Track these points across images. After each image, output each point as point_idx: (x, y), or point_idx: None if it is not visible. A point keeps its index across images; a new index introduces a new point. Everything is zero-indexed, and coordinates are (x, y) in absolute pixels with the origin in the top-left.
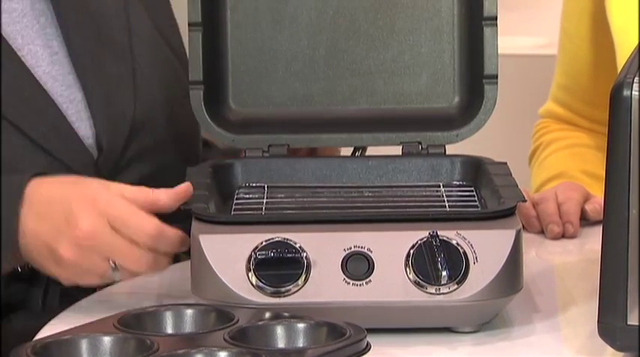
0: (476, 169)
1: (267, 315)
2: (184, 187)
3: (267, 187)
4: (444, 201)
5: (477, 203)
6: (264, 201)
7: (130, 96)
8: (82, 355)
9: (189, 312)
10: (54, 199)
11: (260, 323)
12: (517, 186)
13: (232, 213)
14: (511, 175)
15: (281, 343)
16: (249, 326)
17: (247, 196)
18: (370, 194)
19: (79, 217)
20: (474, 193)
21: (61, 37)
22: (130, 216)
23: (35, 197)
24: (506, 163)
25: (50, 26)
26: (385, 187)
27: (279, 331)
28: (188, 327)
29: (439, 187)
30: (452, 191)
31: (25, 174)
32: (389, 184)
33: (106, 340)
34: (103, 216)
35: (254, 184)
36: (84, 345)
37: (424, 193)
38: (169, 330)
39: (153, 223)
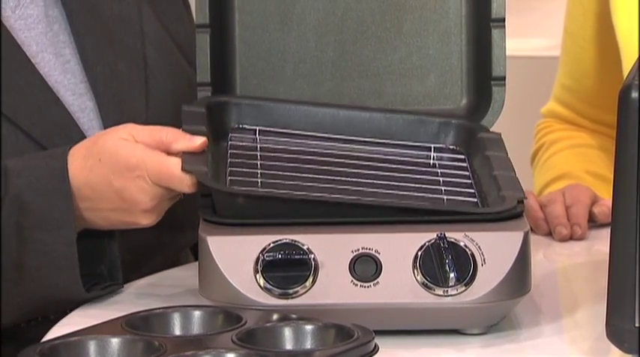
0: (469, 136)
1: (275, 317)
2: (201, 142)
3: (259, 130)
4: (437, 174)
5: (469, 173)
6: (258, 146)
7: (142, 103)
8: None
9: (196, 314)
10: (97, 186)
11: (268, 325)
12: (512, 165)
13: (228, 162)
14: (504, 146)
15: (289, 345)
16: (257, 328)
17: (241, 143)
18: (361, 155)
19: (133, 195)
20: (466, 161)
21: (73, 44)
22: (161, 167)
23: (80, 191)
24: (499, 134)
25: (63, 33)
26: (375, 143)
27: (287, 332)
28: (196, 329)
29: (430, 150)
30: (443, 160)
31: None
32: (379, 141)
33: (114, 341)
34: (146, 180)
35: (247, 127)
36: (92, 347)
37: (415, 161)
38: (177, 332)
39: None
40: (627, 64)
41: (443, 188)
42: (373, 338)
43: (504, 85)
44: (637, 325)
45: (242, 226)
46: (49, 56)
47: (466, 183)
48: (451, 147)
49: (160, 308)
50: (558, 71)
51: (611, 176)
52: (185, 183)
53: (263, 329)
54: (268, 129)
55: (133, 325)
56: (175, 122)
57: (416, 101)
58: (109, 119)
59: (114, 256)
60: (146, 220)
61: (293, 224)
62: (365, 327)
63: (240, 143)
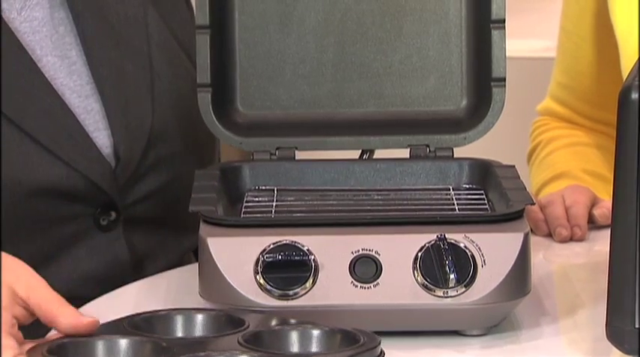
0: (484, 172)
1: (275, 321)
2: (91, 323)
3: (277, 190)
4: (453, 204)
5: (487, 206)
6: (274, 204)
7: (148, 105)
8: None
9: (199, 316)
10: None
11: (275, 328)
12: (525, 189)
13: (242, 216)
14: (519, 178)
15: (294, 349)
16: (263, 330)
17: (256, 199)
18: (379, 198)
19: None
20: (484, 196)
21: (79, 46)
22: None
23: None
24: (514, 166)
25: (69, 35)
26: (394, 190)
27: (294, 336)
28: (198, 331)
29: (449, 190)
30: (461, 194)
31: None
32: (397, 188)
33: (123, 342)
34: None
35: (263, 187)
36: (100, 347)
37: (434, 197)
38: (179, 334)
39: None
40: (626, 63)
41: (457, 207)
42: (379, 343)
43: (504, 86)
44: (637, 326)
45: (242, 227)
46: (54, 59)
47: (479, 199)
48: (468, 186)
49: (163, 310)
50: (554, 69)
51: (609, 175)
52: None
53: (269, 332)
54: (285, 188)
55: (136, 325)
56: (180, 123)
57: (416, 102)
58: (115, 121)
59: None
60: None
61: (293, 225)
62: (371, 333)
63: (256, 199)
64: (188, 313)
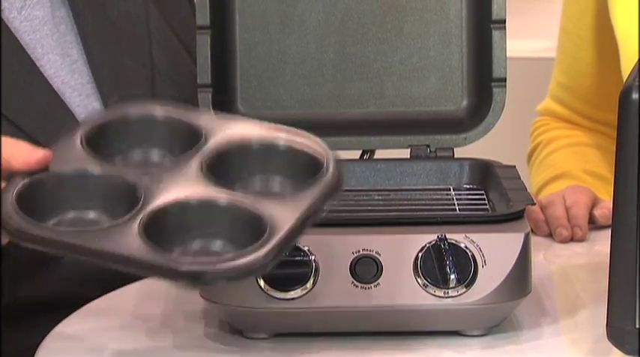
0: (485, 173)
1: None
2: (43, 155)
3: None
4: (454, 205)
5: (487, 207)
6: None
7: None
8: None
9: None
10: None
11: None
12: (526, 189)
13: None
14: (520, 178)
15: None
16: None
17: None
18: (380, 198)
19: None
20: (484, 196)
21: (80, 44)
22: None
23: None
24: (514, 167)
25: (70, 34)
26: (394, 190)
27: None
28: (156, 143)
29: (449, 190)
30: (462, 195)
31: None
32: (398, 188)
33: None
34: None
35: None
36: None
37: (434, 197)
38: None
39: None
40: (626, 63)
41: (458, 208)
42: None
43: (505, 86)
44: (637, 326)
45: None
46: (55, 57)
47: (480, 200)
48: (468, 186)
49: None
50: (554, 69)
51: (609, 175)
52: None
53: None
54: None
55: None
56: None
57: (416, 102)
58: None
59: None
60: None
61: None
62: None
63: None
64: (140, 118)
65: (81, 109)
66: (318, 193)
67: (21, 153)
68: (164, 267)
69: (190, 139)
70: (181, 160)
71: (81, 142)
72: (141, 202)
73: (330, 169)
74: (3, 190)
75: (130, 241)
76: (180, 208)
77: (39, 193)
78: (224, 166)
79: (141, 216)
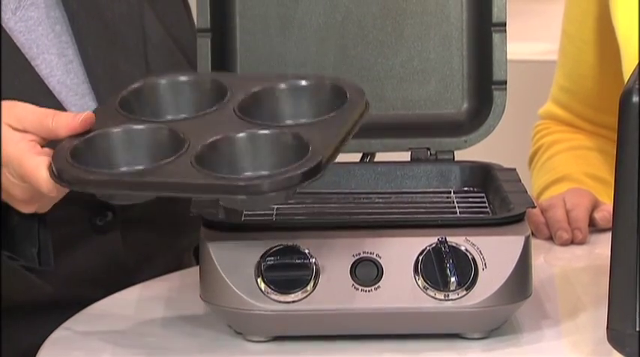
0: (485, 175)
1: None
2: (85, 117)
3: None
4: (454, 207)
5: (488, 209)
6: (275, 207)
7: None
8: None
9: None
10: None
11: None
12: (526, 192)
13: (243, 219)
14: (520, 181)
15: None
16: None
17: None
18: (380, 201)
19: (6, 185)
20: (485, 199)
21: (75, 45)
22: (26, 171)
23: None
24: (515, 169)
25: (65, 34)
26: (395, 193)
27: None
28: (191, 102)
29: (449, 193)
30: (462, 197)
31: None
32: (398, 191)
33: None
34: (14, 177)
35: None
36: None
37: (435, 200)
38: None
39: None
40: (627, 67)
41: (458, 210)
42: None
43: (505, 89)
44: (638, 329)
45: (243, 230)
46: (51, 57)
47: (480, 202)
48: (469, 189)
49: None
50: (556, 72)
51: (610, 178)
52: (49, 187)
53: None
54: None
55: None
56: None
57: (417, 105)
58: None
59: (44, 239)
60: (25, 209)
61: (294, 228)
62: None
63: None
64: (172, 81)
65: (77, 108)
66: (350, 114)
67: (63, 120)
68: (225, 184)
69: (218, 94)
70: (216, 109)
71: (118, 106)
72: (186, 146)
73: (353, 93)
74: (54, 154)
75: (187, 170)
76: (228, 142)
77: (90, 151)
78: (257, 107)
79: (191, 152)
